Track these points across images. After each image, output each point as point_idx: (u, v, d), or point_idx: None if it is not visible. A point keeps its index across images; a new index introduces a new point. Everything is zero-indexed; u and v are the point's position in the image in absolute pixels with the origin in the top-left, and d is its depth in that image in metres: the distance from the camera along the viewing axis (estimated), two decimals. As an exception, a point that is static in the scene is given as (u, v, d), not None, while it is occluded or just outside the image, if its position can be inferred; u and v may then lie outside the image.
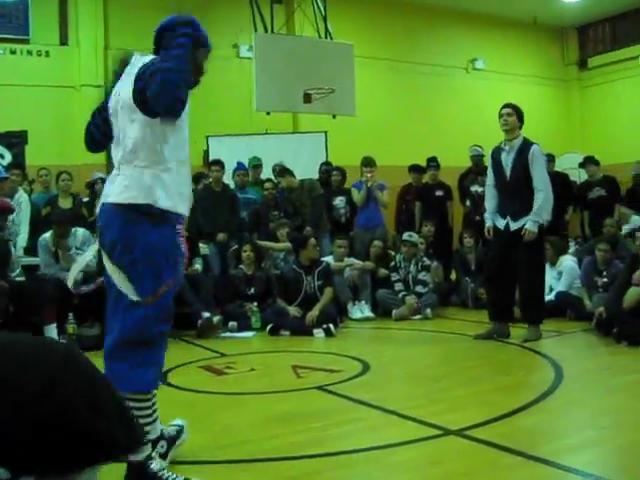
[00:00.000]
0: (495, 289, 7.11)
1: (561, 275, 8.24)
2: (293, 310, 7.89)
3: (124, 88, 3.13)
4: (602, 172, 10.51)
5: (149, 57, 3.21)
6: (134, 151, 3.07)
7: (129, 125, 3.09)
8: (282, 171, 9.84)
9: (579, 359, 6.09)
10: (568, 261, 8.33)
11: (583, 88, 16.81)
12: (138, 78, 3.05)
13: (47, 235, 7.32)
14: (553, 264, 8.26)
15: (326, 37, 11.10)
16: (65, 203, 8.67)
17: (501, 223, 6.89)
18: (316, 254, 8.26)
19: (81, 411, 1.22)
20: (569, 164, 13.76)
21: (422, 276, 8.78)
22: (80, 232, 7.41)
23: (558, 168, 11.90)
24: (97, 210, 3.26)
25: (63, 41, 11.74)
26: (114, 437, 1.30)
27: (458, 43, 15.17)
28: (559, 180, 9.95)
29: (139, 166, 3.07)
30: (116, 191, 3.11)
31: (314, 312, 7.72)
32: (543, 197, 6.66)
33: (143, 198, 3.03)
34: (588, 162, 10.37)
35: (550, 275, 8.18)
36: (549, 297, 7.86)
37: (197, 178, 10.04)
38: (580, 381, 5.19)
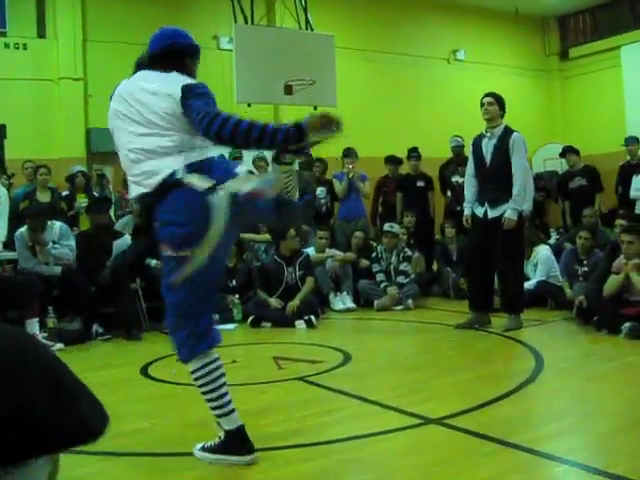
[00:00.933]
0: (474, 278, 7.13)
1: (536, 266, 8.26)
2: (274, 302, 7.88)
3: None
4: (583, 162, 10.54)
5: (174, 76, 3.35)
6: None
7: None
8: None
9: (559, 347, 6.10)
10: (543, 251, 8.34)
11: (564, 79, 16.84)
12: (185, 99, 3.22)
13: (23, 229, 7.26)
14: (527, 257, 8.24)
15: (307, 28, 11.06)
16: (43, 197, 8.59)
17: (480, 211, 6.89)
18: (296, 245, 8.24)
19: (45, 400, 1.20)
20: (550, 154, 13.82)
21: (403, 267, 8.78)
22: (57, 225, 7.36)
23: (540, 158, 11.97)
24: None
25: (41, 34, 11.62)
26: (85, 423, 1.29)
27: (439, 34, 15.15)
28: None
29: None
30: None
31: (295, 302, 7.71)
32: (521, 183, 6.66)
33: None
34: (568, 152, 10.39)
35: (526, 268, 8.21)
36: (527, 286, 7.86)
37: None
38: (560, 369, 5.20)
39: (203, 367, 3.34)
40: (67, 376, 1.31)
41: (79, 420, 1.29)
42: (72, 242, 7.37)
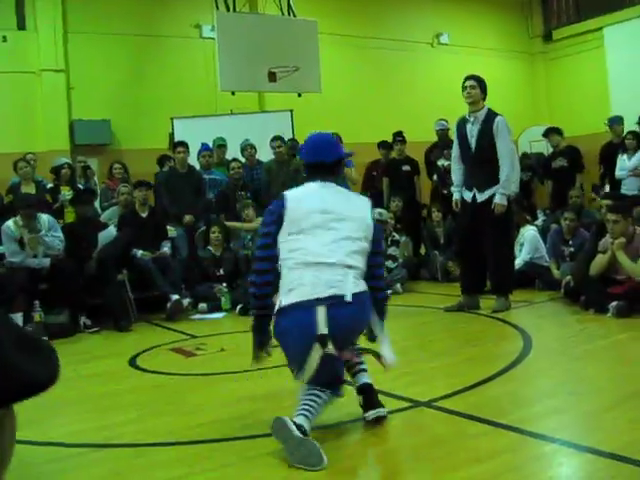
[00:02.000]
0: (466, 261, 7.14)
1: (522, 246, 8.29)
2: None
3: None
4: (566, 142, 10.53)
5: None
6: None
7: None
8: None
9: (547, 328, 6.13)
10: (529, 231, 8.36)
11: (548, 60, 16.83)
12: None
13: (10, 223, 7.21)
14: (515, 236, 8.30)
15: (289, 14, 11.01)
16: (28, 189, 8.53)
17: (468, 195, 6.88)
18: None
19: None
20: (536, 136, 13.80)
21: (392, 251, 8.78)
22: (44, 218, 7.33)
23: (525, 140, 11.97)
24: None
25: (21, 26, 11.51)
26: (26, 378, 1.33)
27: (423, 18, 15.11)
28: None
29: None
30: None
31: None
32: (508, 168, 6.66)
33: None
34: (551, 132, 10.39)
35: (514, 249, 8.27)
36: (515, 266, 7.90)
37: (161, 161, 9.94)
38: (548, 349, 5.22)
39: None
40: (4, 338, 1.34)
41: (17, 377, 1.33)
42: (60, 234, 7.35)
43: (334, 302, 3.31)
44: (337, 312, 3.30)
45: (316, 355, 3.25)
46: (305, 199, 3.51)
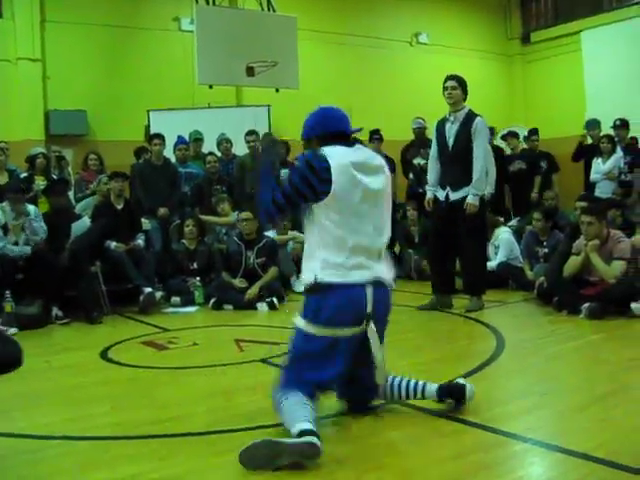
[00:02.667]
0: (437, 261, 7.15)
1: (497, 248, 8.32)
2: (238, 282, 7.78)
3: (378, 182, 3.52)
4: (544, 145, 10.62)
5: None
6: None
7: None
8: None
9: (520, 328, 6.16)
10: (504, 233, 8.41)
11: (526, 62, 16.91)
12: None
13: None
14: (488, 239, 8.32)
15: (269, 9, 10.95)
16: (1, 178, 8.43)
17: (441, 194, 6.90)
18: (249, 229, 7.97)
19: None
20: (512, 137, 13.89)
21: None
22: (30, 207, 7.39)
23: (501, 142, 12.01)
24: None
25: (-3, 13, 11.38)
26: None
27: (402, 17, 15.11)
28: (496, 154, 10.03)
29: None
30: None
31: (254, 289, 7.63)
32: (481, 169, 6.67)
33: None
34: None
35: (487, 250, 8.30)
36: (489, 267, 7.93)
37: (138, 153, 9.87)
38: (521, 349, 5.24)
39: None
40: None
41: None
42: (43, 223, 7.33)
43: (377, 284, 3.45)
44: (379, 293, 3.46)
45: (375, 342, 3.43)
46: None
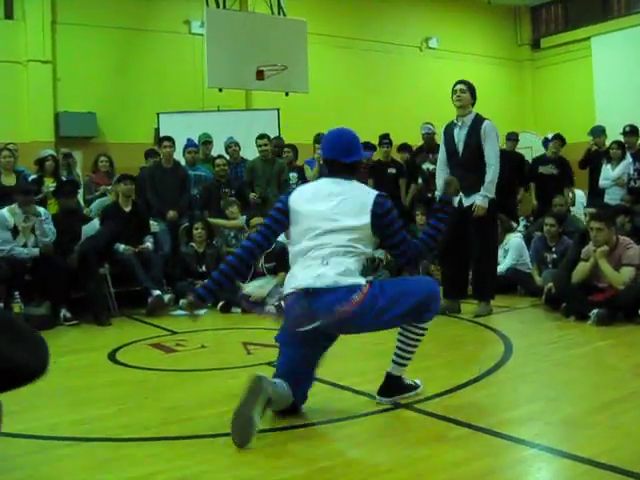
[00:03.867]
0: (449, 266, 7.14)
1: (507, 252, 8.32)
2: (246, 287, 7.79)
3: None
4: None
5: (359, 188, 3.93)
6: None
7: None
8: None
9: (528, 333, 6.14)
10: (514, 238, 8.39)
11: (536, 68, 16.93)
12: (377, 215, 3.74)
13: (4, 210, 7.20)
14: (500, 242, 8.33)
15: (279, 13, 11.00)
16: (8, 180, 8.44)
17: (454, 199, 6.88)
18: None
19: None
20: (521, 143, 13.85)
21: (378, 254, 8.80)
22: (40, 209, 7.41)
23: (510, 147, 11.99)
24: None
25: (8, 15, 11.43)
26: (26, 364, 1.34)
27: (412, 22, 15.15)
28: (515, 160, 10.04)
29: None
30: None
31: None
32: (494, 172, 6.67)
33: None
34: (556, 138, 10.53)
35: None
36: (498, 271, 7.94)
37: (148, 155, 9.89)
38: (529, 355, 5.23)
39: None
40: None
41: (11, 367, 1.33)
42: (52, 225, 7.36)
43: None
44: None
45: None
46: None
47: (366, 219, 3.69)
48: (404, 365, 4.00)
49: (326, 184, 3.84)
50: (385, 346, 5.70)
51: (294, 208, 3.76)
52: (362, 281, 3.65)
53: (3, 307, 6.63)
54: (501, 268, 8.03)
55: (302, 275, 3.63)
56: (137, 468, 3.12)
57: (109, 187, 8.93)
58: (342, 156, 3.85)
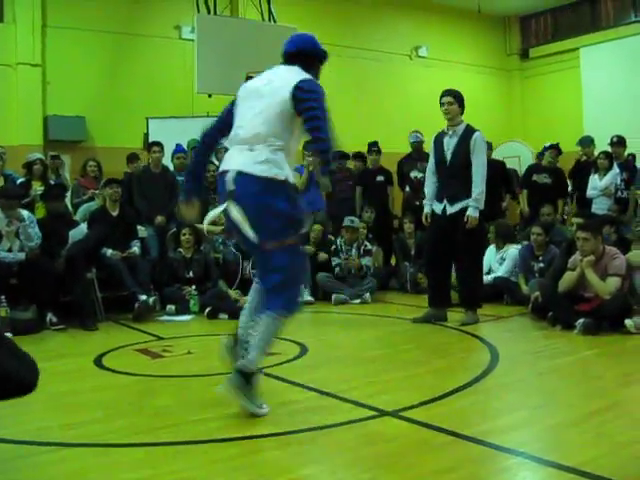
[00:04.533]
0: (433, 274, 7.16)
1: (504, 261, 8.34)
2: (233, 293, 7.86)
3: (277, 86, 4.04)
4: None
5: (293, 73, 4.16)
6: (272, 134, 3.85)
7: (274, 113, 3.89)
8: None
9: (514, 342, 6.16)
10: (513, 249, 8.40)
11: (524, 78, 17.02)
12: (295, 98, 3.98)
13: None
14: (499, 248, 8.40)
15: (269, 20, 11.04)
16: (-5, 183, 8.42)
17: (438, 207, 6.91)
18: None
19: None
20: (510, 153, 13.95)
21: (366, 261, 8.82)
22: (24, 212, 7.31)
23: (499, 156, 12.05)
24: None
25: (-2, 18, 11.42)
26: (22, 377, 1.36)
27: (402, 30, 15.20)
28: (497, 167, 10.04)
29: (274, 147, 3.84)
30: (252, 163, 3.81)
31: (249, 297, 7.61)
32: (482, 182, 6.69)
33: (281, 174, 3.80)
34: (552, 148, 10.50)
35: (493, 257, 8.38)
36: (487, 279, 7.98)
37: (129, 159, 9.85)
38: (515, 363, 5.25)
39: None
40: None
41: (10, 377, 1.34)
42: (37, 229, 7.30)
43: None
44: None
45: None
46: None
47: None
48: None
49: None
50: (373, 352, 5.75)
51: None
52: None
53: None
54: (488, 278, 8.08)
55: None
56: (123, 474, 3.11)
57: (97, 191, 8.90)
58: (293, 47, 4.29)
